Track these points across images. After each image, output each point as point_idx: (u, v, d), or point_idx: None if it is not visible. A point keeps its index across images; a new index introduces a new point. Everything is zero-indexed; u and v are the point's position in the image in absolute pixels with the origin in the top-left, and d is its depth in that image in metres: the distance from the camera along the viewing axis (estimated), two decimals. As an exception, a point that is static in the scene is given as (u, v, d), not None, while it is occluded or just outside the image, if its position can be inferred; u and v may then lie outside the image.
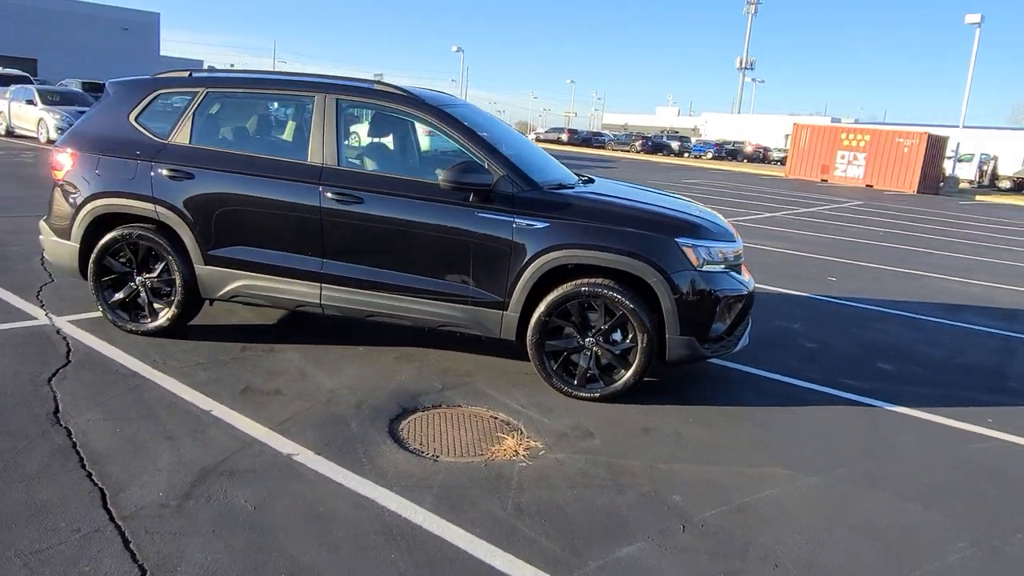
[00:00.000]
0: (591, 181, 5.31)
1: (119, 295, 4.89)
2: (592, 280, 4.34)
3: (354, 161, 4.81)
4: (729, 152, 54.85)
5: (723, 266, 4.49)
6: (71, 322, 5.02)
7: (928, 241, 14.54)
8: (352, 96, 4.73)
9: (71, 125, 7.98)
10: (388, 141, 5.37)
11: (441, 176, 4.34)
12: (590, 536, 3.03)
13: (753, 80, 71.89)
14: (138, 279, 4.86)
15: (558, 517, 3.14)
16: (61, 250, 4.99)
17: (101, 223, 4.84)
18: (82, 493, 3.00)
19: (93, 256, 4.84)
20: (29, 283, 5.86)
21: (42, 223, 5.14)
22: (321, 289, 4.62)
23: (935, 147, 34.22)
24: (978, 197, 34.23)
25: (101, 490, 3.03)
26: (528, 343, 4.48)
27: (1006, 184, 41.70)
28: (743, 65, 68.06)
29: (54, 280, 5.99)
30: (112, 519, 2.84)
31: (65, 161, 4.93)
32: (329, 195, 4.50)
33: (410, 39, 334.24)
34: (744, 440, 4.12)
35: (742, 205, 19.08)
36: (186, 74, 5.06)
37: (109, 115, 5.00)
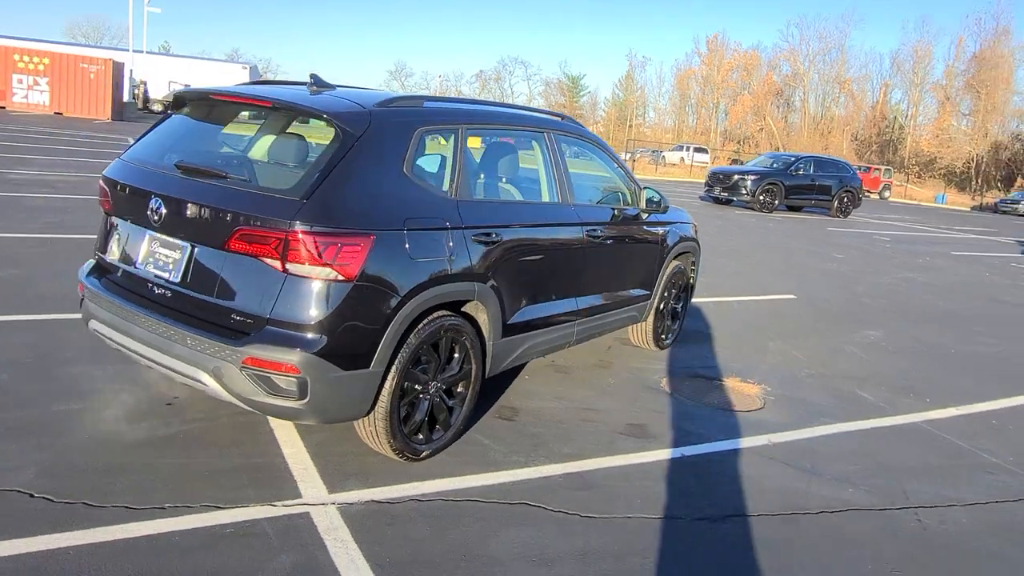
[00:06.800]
0: None
1: (417, 415, 3.38)
2: (676, 262, 5.73)
3: (583, 195, 4.59)
4: None
5: None
6: (337, 499, 3.08)
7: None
8: (559, 132, 4.47)
9: None
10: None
11: (663, 205, 5.05)
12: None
13: None
14: (433, 384, 3.44)
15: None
16: (353, 388, 2.99)
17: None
18: None
19: (394, 375, 3.14)
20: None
21: (308, 357, 2.80)
22: (576, 326, 4.47)
23: (119, 73, 34.46)
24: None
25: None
26: (654, 322, 5.60)
27: (158, 107, 44.97)
28: None
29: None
30: None
31: (349, 248, 2.91)
32: (584, 233, 4.41)
33: None
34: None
35: None
36: (419, 104, 3.51)
37: (378, 169, 3.13)
